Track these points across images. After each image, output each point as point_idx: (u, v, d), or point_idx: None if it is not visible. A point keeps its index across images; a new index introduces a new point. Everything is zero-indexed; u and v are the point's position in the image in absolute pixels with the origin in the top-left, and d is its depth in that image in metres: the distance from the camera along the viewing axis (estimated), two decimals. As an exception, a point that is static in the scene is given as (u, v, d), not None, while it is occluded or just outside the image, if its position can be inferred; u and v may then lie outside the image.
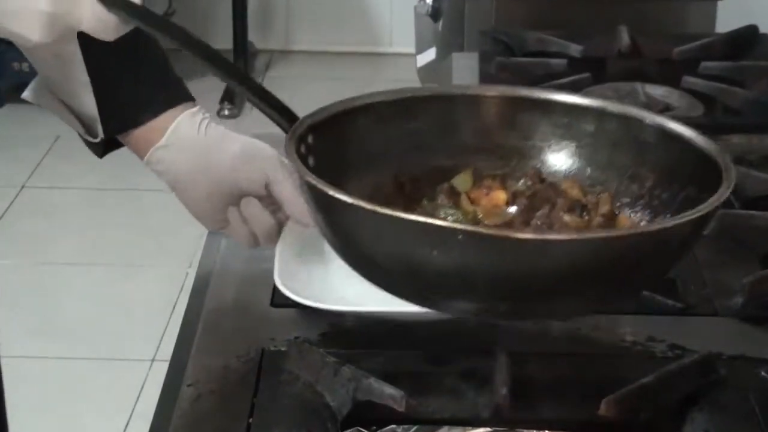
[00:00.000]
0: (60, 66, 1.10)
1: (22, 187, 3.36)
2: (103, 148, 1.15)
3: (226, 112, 3.78)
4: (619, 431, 0.98)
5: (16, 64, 3.55)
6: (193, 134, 1.13)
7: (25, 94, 1.15)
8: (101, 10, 0.98)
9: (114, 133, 1.13)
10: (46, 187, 3.39)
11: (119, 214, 3.29)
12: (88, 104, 1.12)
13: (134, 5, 0.98)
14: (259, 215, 1.13)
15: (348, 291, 1.10)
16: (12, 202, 3.28)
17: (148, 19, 0.98)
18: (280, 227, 1.15)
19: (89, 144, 1.15)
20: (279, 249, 1.12)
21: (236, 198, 1.13)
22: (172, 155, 1.13)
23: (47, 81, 1.14)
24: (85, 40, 0.98)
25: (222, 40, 4.03)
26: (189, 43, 0.97)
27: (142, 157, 1.15)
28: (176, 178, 1.14)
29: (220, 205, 1.14)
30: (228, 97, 3.82)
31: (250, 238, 1.14)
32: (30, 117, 3.53)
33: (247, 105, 3.89)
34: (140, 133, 1.14)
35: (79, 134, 1.15)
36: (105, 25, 0.99)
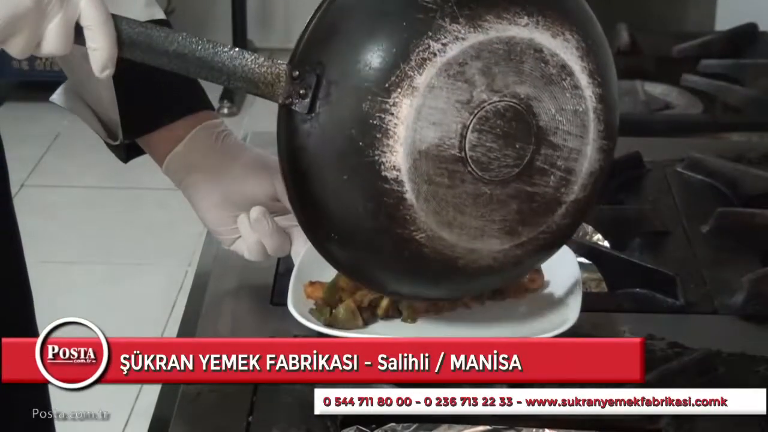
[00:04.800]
0: (88, 68, 1.11)
1: (22, 185, 3.36)
2: (126, 152, 1.16)
3: (225, 111, 3.79)
4: (620, 431, 0.98)
5: (15, 63, 3.55)
6: (210, 144, 1.15)
7: (54, 97, 1.16)
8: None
9: (132, 135, 1.14)
10: (46, 185, 3.39)
11: (119, 212, 3.29)
12: (111, 107, 1.13)
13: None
14: (264, 222, 1.14)
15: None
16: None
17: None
18: (290, 240, 1.16)
19: (112, 148, 1.16)
20: (295, 270, 1.13)
21: (245, 207, 1.14)
22: (188, 163, 1.15)
23: (74, 84, 1.15)
24: None
25: (221, 38, 4.02)
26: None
27: (161, 165, 1.16)
28: (190, 186, 1.16)
29: (230, 215, 1.15)
30: (227, 96, 3.82)
31: (259, 248, 1.15)
32: (29, 115, 3.54)
33: (247, 103, 3.90)
34: (159, 138, 1.15)
35: (102, 138, 1.16)
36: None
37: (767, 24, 1.93)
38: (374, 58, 0.94)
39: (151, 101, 1.13)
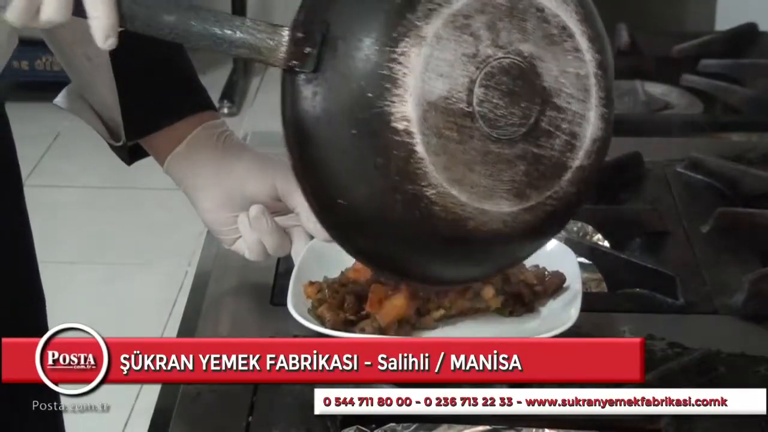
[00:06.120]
0: (90, 68, 1.12)
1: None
2: (129, 154, 1.17)
3: (225, 110, 3.79)
4: (620, 431, 0.98)
5: (15, 63, 3.55)
6: (212, 144, 1.16)
7: (57, 100, 1.17)
8: None
9: (135, 136, 1.15)
10: (46, 185, 3.39)
11: (119, 212, 3.29)
12: (114, 108, 1.13)
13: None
14: (263, 220, 1.14)
15: None
16: (11, 200, 3.28)
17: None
18: (290, 239, 1.16)
19: (116, 150, 1.17)
20: (295, 270, 1.13)
21: (246, 207, 1.15)
22: (189, 163, 1.16)
23: (77, 86, 1.15)
24: None
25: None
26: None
27: (162, 164, 1.17)
28: (192, 187, 1.16)
29: (231, 214, 1.15)
30: (228, 95, 3.83)
31: (259, 247, 1.15)
32: (29, 115, 3.53)
33: (247, 103, 3.90)
34: (161, 139, 1.16)
35: (105, 140, 1.17)
36: None
37: (767, 24, 1.93)
38: (380, 10, 0.95)
39: (153, 102, 1.14)
